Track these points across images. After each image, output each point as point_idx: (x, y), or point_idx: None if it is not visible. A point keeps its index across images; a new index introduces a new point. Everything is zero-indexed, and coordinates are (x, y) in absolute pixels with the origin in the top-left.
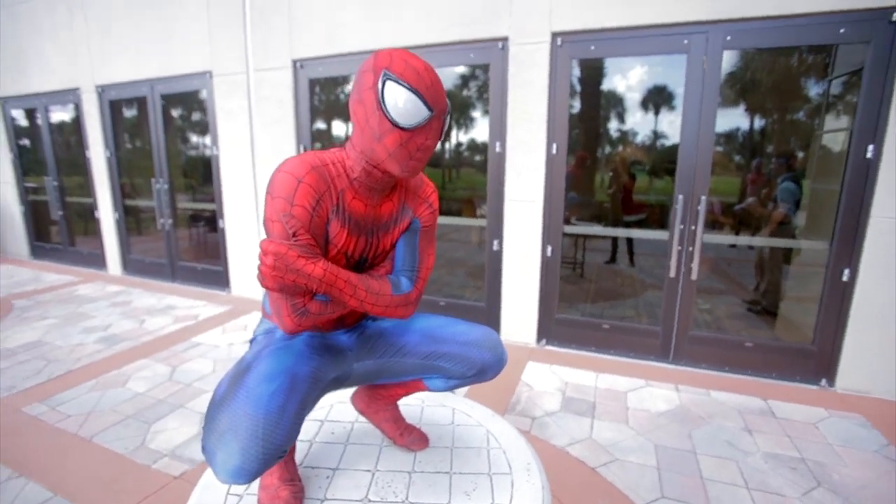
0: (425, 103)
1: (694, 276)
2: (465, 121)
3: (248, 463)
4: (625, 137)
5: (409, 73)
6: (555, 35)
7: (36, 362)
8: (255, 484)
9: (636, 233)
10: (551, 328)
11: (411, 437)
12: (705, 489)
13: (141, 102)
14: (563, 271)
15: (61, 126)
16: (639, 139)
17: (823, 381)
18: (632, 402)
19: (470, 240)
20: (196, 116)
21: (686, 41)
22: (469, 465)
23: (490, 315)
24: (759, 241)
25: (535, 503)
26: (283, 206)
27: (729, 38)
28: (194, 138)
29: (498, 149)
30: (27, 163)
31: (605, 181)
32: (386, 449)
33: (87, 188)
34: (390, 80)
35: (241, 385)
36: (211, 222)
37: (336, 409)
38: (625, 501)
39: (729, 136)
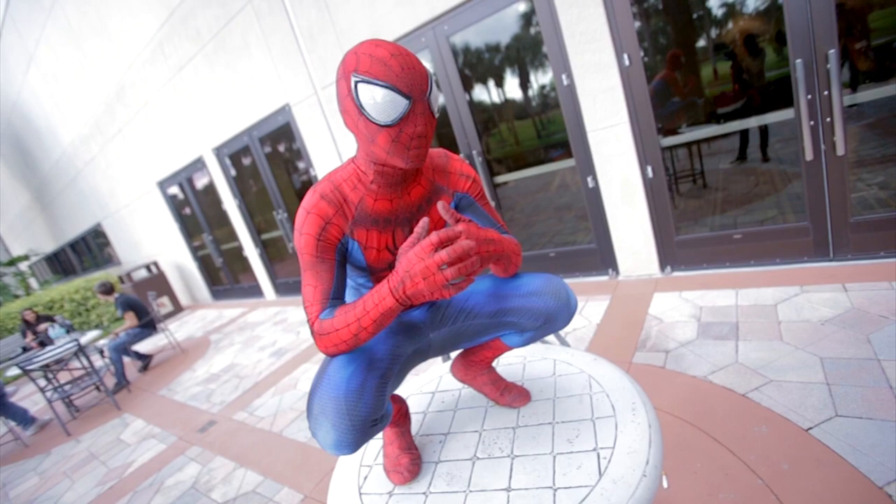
0: (400, 93)
1: (841, 151)
2: (538, 62)
3: (342, 436)
4: (733, 9)
5: (375, 67)
6: None
7: (234, 380)
8: (381, 456)
9: (751, 122)
10: (674, 252)
11: (512, 395)
12: None
13: (247, 150)
14: (683, 186)
15: (206, 189)
16: (750, 7)
17: None
18: (785, 315)
19: (571, 182)
20: (294, 146)
21: None
22: (571, 412)
23: (604, 255)
24: None
25: (640, 442)
26: (296, 237)
27: None
28: (299, 165)
29: (565, 81)
30: (189, 227)
31: (720, 72)
32: (491, 409)
33: (233, 234)
34: (360, 81)
35: (324, 375)
36: None
37: (445, 380)
38: (787, 426)
39: None
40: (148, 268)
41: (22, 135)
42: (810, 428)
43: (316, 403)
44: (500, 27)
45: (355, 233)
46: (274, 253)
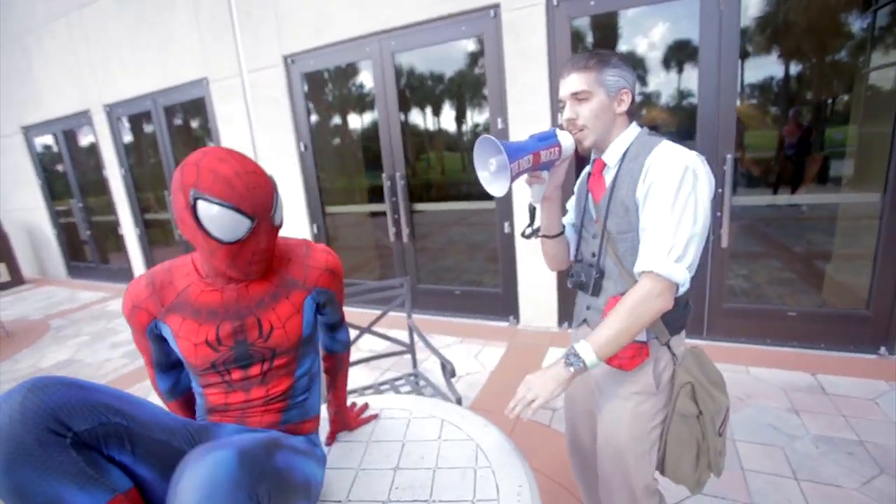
0: (244, 214)
1: (724, 244)
2: (477, 100)
3: None
4: (648, 100)
5: (218, 186)
6: None
7: None
8: None
9: None
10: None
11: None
12: (746, 482)
13: (147, 117)
14: None
15: (88, 149)
16: (663, 101)
17: (882, 349)
18: None
19: (488, 222)
20: (200, 124)
21: None
22: (451, 490)
23: (507, 301)
24: (799, 198)
25: None
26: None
27: None
28: (206, 146)
29: (500, 125)
30: (57, 187)
31: None
32: (361, 474)
33: (110, 207)
34: (201, 198)
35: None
36: None
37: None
38: None
39: (763, 87)
40: None
41: None
42: None
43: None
44: (446, 58)
45: (168, 318)
46: (158, 236)
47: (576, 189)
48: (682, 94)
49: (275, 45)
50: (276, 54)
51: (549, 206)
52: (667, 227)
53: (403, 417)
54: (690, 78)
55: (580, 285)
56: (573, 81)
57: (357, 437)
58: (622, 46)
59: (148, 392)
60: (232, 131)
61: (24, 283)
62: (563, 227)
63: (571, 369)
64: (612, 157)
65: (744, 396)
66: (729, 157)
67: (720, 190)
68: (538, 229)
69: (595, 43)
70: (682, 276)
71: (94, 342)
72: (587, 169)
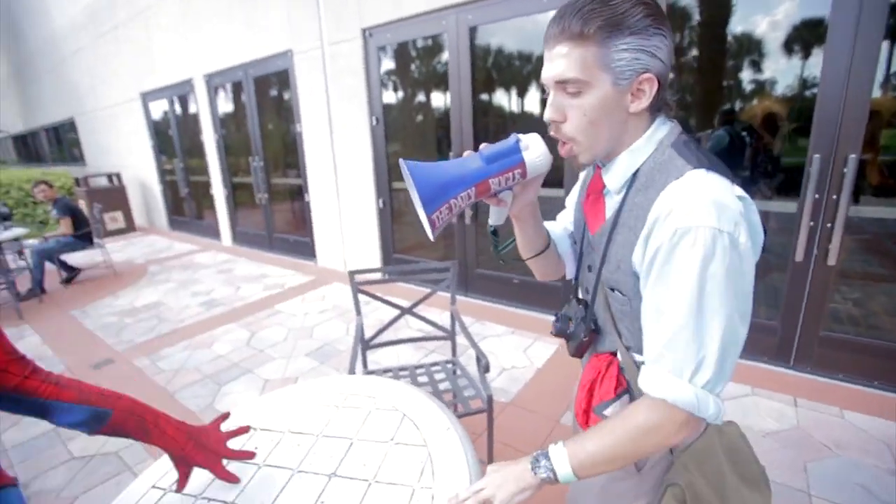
0: None
1: (832, 261)
2: None
3: None
4: (762, 88)
5: None
6: None
7: (151, 321)
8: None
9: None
10: None
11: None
12: None
13: (239, 86)
14: None
15: (191, 115)
16: (779, 90)
17: None
18: (732, 414)
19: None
20: (287, 96)
21: None
22: None
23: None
24: None
25: None
26: None
27: None
28: (287, 117)
29: None
30: (164, 148)
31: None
32: (296, 478)
33: (205, 168)
34: None
35: None
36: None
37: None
38: None
39: None
40: (110, 178)
41: (12, 4)
42: None
43: None
44: (525, 33)
45: None
46: (242, 198)
47: (577, 186)
48: (806, 84)
49: (354, 19)
50: (356, 27)
51: (520, 225)
52: (690, 334)
53: (365, 407)
54: (818, 64)
55: (564, 335)
56: (559, 61)
57: (311, 428)
58: (736, 27)
59: (212, 342)
60: (311, 102)
61: (136, 230)
62: (549, 240)
63: (539, 476)
64: (614, 178)
65: (831, 445)
66: (852, 157)
67: (834, 196)
68: (509, 246)
69: (702, 22)
70: (715, 408)
71: (179, 289)
72: (586, 174)
